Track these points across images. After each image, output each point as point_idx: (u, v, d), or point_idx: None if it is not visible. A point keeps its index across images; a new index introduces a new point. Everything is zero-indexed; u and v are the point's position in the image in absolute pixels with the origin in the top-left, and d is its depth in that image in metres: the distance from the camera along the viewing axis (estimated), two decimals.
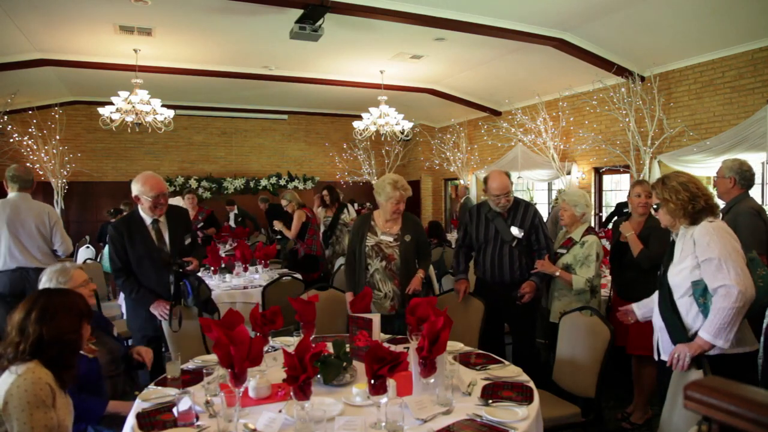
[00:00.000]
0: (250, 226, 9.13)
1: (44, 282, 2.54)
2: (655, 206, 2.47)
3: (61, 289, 2.32)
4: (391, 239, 3.39)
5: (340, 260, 5.83)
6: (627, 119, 7.05)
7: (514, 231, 3.52)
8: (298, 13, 5.61)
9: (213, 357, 2.57)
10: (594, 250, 3.40)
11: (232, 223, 9.21)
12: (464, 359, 2.54)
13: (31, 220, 4.21)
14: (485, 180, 3.61)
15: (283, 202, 6.64)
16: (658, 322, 2.47)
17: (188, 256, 3.35)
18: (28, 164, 9.30)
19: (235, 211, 9.45)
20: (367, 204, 11.15)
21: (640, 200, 3.53)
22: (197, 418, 1.91)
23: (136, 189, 3.25)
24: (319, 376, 2.14)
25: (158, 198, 3.23)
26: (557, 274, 3.39)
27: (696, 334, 2.26)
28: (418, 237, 3.49)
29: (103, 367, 2.45)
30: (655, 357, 2.52)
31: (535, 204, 3.88)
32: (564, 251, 3.54)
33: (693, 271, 2.31)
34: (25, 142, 9.23)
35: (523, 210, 3.59)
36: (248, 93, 10.09)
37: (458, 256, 3.80)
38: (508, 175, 3.56)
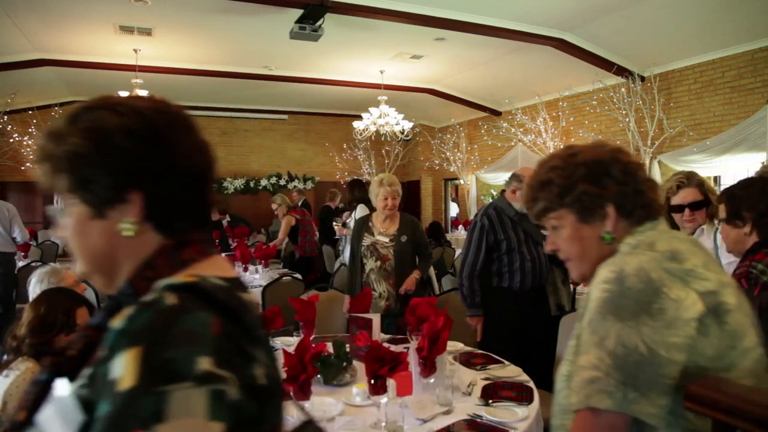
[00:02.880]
0: (248, 227, 9.14)
1: (34, 283, 2.51)
2: (703, 200, 2.39)
3: (42, 294, 2.15)
4: (387, 239, 3.40)
5: (340, 259, 5.83)
6: (627, 119, 7.05)
7: (544, 230, 3.36)
8: (298, 13, 5.61)
9: None
10: None
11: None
12: (464, 359, 2.54)
13: None
14: (521, 177, 3.20)
15: (273, 206, 6.64)
16: None
17: None
18: (28, 164, 9.33)
19: (228, 219, 9.45)
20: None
21: None
22: None
23: None
24: (319, 376, 2.14)
25: None
26: None
27: None
28: (417, 238, 3.47)
29: None
30: None
31: None
32: None
33: None
34: (25, 142, 9.23)
35: None
36: (248, 93, 10.09)
37: (472, 283, 3.16)
38: None
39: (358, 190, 5.39)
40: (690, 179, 2.46)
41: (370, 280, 3.38)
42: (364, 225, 3.50)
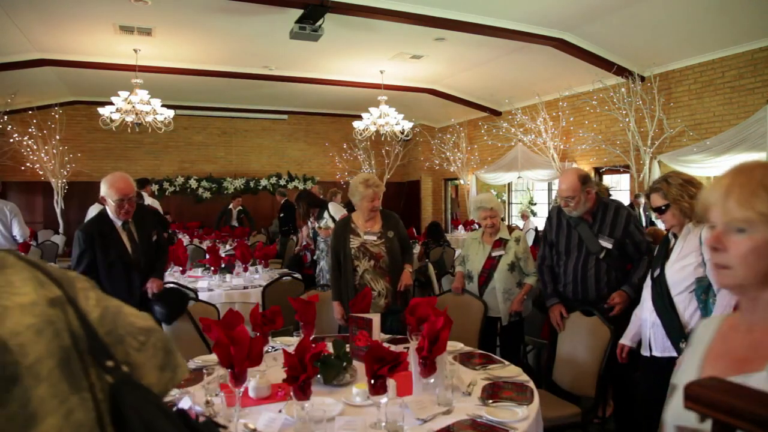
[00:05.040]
0: (249, 225, 9.18)
1: None
2: (663, 207, 2.44)
3: None
4: (374, 238, 3.38)
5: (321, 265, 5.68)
6: (627, 119, 7.05)
7: (603, 241, 3.03)
8: (298, 13, 5.61)
9: (213, 357, 2.57)
10: (527, 241, 3.68)
11: (234, 219, 9.29)
12: (464, 359, 2.54)
13: None
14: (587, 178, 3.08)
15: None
16: (650, 318, 2.49)
17: (153, 257, 3.22)
18: (28, 164, 9.34)
19: (240, 207, 9.52)
20: None
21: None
22: (197, 418, 1.91)
23: (103, 189, 3.03)
24: (319, 376, 2.14)
25: (122, 202, 3.02)
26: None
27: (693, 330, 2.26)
28: (400, 232, 3.47)
29: None
30: (645, 353, 2.52)
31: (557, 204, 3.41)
32: (501, 252, 3.58)
33: (697, 268, 2.35)
34: (25, 142, 9.24)
35: (612, 214, 3.06)
36: (248, 93, 10.09)
37: (542, 274, 3.26)
38: (585, 178, 3.00)
39: (306, 201, 5.52)
40: (651, 186, 2.55)
41: (366, 280, 3.37)
42: (346, 227, 3.45)
